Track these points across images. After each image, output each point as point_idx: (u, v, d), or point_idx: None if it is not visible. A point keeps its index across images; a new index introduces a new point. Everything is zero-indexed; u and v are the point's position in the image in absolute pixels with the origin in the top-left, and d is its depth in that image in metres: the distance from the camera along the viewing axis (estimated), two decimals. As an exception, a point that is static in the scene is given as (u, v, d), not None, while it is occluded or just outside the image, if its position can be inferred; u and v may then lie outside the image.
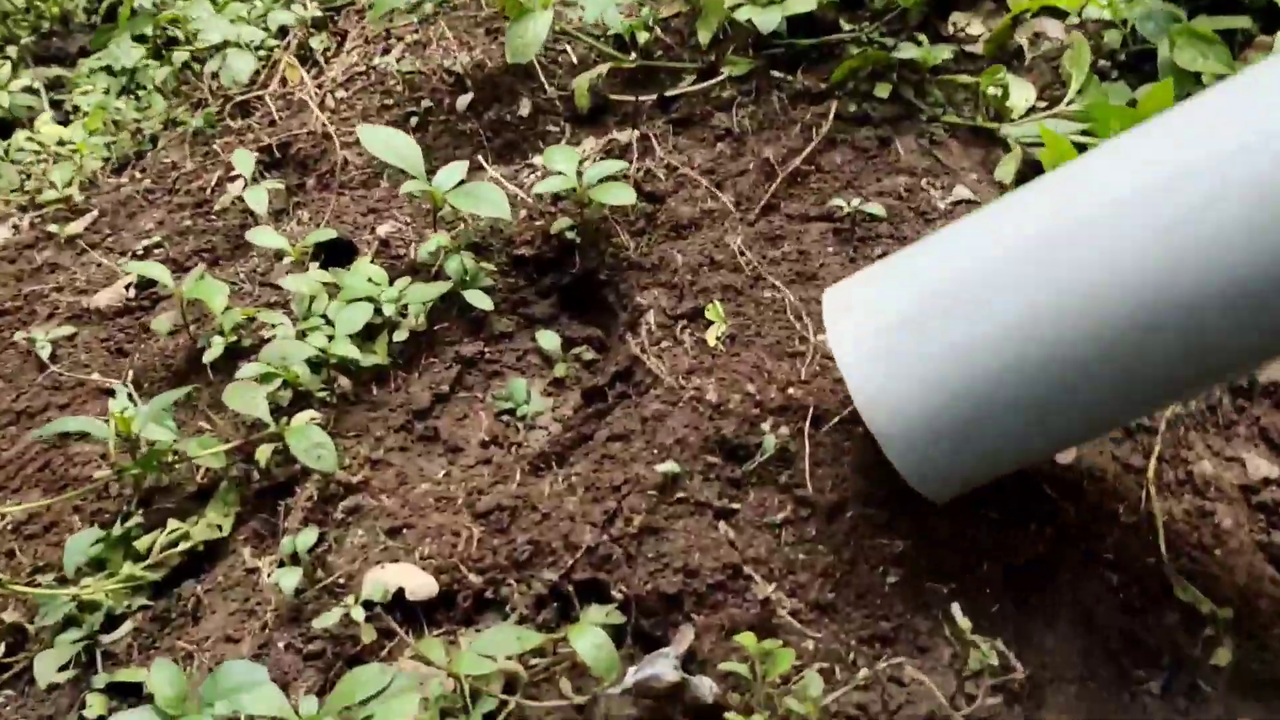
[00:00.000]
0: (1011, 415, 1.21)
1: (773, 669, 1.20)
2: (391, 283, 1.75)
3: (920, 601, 1.34)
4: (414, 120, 2.27)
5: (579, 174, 1.79)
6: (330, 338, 1.62)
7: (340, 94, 2.40)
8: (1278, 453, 1.63)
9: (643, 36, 2.20)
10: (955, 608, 1.25)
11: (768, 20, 1.96)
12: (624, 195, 1.77)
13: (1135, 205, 1.12)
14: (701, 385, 1.53)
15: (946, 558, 1.37)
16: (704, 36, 2.09)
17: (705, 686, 1.23)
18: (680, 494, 1.41)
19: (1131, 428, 1.58)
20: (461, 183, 1.79)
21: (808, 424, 1.47)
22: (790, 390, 1.52)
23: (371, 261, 1.83)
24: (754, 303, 1.66)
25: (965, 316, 1.21)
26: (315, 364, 1.66)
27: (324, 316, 1.68)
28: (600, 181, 1.78)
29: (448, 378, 1.69)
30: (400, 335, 1.72)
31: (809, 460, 1.44)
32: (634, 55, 2.19)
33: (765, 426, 1.47)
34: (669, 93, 2.13)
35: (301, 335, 1.65)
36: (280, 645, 1.34)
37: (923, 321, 1.24)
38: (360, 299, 1.67)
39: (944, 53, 1.96)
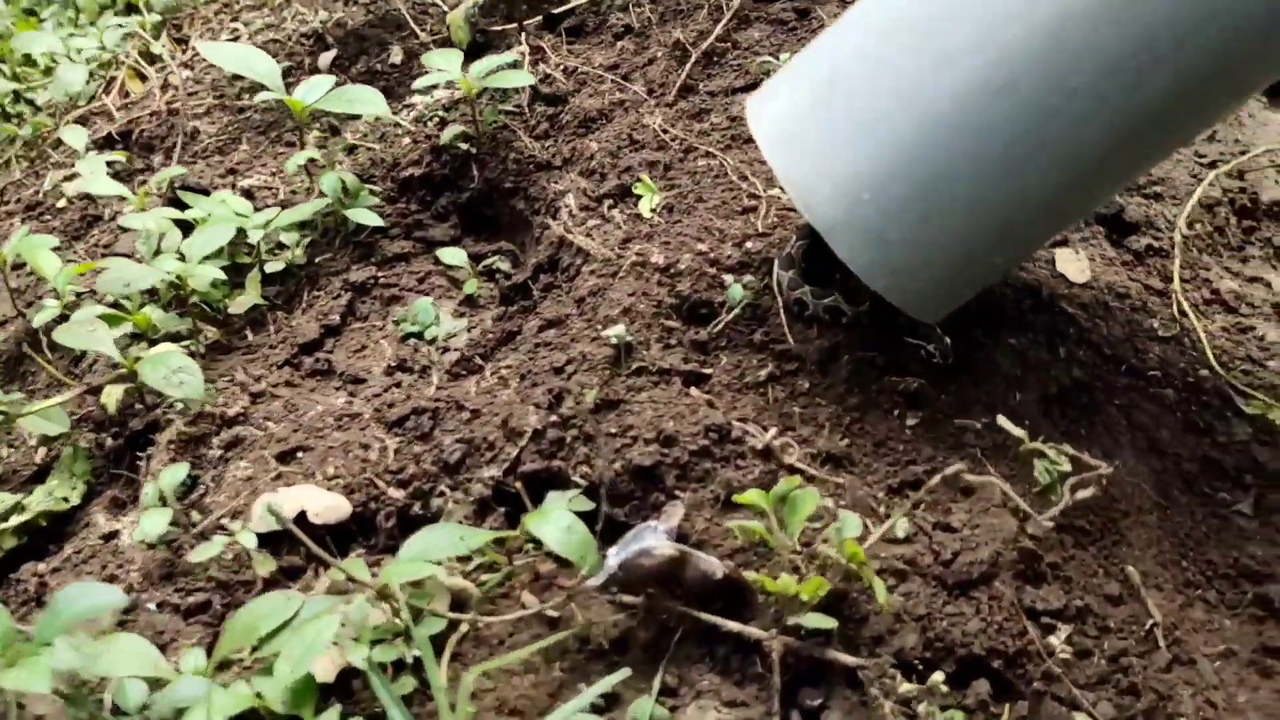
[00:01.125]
0: (941, 192, 0.99)
1: (794, 515, 0.93)
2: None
3: (952, 441, 1.09)
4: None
5: (463, 73, 1.54)
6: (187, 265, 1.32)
7: (185, 73, 2.12)
8: (1299, 272, 1.43)
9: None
10: (1002, 419, 1.00)
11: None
12: (520, 79, 1.52)
13: None
14: (644, 250, 1.27)
15: (970, 392, 1.13)
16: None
17: (713, 560, 0.95)
18: (638, 363, 1.15)
19: (1141, 251, 1.37)
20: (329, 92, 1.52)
21: (775, 276, 1.22)
22: (748, 244, 1.27)
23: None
24: (688, 173, 1.42)
25: (872, 87, 1.01)
26: (171, 306, 1.36)
27: (179, 254, 1.38)
28: (491, 73, 1.53)
29: (337, 307, 1.41)
30: (274, 267, 1.43)
31: (785, 313, 1.19)
32: (513, -16, 1.96)
33: (729, 280, 1.21)
34: (556, 10, 1.90)
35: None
36: (151, 607, 1.02)
37: (831, 99, 1.04)
38: (221, 225, 1.38)
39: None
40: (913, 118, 0.97)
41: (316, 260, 1.48)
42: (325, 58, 2.03)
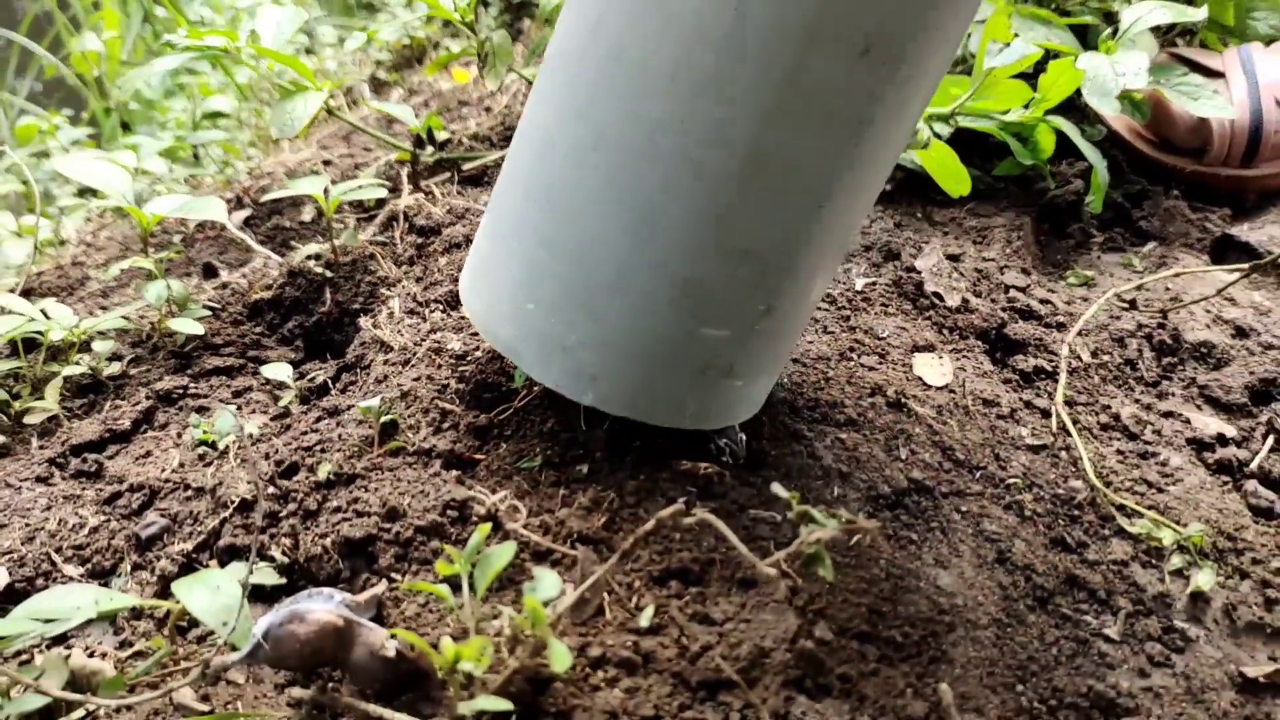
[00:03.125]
0: (588, 270, 0.82)
1: (484, 573, 0.74)
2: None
3: (744, 534, 0.90)
4: (178, 237, 1.95)
5: (325, 191, 1.47)
6: (-39, 355, 1.20)
7: (89, 238, 2.09)
8: (1226, 413, 1.24)
9: (441, 134, 1.96)
10: (775, 485, 0.81)
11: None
12: (375, 191, 1.44)
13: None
14: (443, 338, 1.13)
15: (776, 483, 0.94)
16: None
17: (380, 632, 0.75)
18: (397, 443, 0.98)
19: (1029, 371, 1.20)
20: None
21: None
22: (565, 337, 1.12)
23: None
24: (532, 284, 1.29)
25: (511, 191, 0.88)
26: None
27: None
28: (349, 191, 1.45)
29: (132, 414, 1.27)
30: (72, 371, 1.31)
31: (586, 402, 1.03)
32: (431, 149, 1.93)
33: (525, 367, 1.06)
34: (466, 167, 1.85)
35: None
36: None
37: (492, 222, 0.92)
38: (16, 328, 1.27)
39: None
40: (537, 205, 0.84)
41: (132, 373, 1.36)
42: (238, 215, 1.99)
